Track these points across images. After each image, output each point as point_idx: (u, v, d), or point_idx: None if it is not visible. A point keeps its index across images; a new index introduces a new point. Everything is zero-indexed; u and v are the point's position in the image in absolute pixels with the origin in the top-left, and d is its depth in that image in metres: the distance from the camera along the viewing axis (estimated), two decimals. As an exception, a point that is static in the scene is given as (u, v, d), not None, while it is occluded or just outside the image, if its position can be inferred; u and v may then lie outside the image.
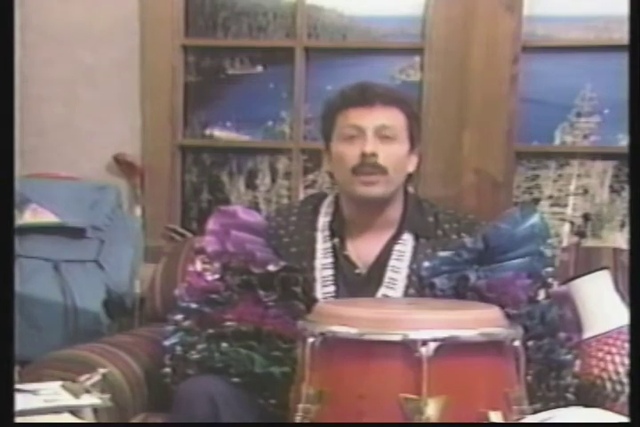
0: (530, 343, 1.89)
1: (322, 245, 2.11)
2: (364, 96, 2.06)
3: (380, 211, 2.11)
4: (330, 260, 2.10)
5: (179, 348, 2.03)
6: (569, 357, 1.97)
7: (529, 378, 1.84)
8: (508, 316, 1.79)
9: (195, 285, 2.07)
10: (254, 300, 2.01)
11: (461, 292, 1.94)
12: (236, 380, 1.95)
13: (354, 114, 2.06)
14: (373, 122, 2.04)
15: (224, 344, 1.98)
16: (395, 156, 2.05)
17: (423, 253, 2.06)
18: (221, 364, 1.96)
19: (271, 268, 2.02)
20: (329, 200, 2.18)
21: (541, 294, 1.98)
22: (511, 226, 2.00)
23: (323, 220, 2.15)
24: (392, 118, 2.06)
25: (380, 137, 2.04)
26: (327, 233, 2.12)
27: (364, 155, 2.02)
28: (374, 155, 2.02)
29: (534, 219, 2.02)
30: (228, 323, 2.00)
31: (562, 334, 1.97)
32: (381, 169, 2.03)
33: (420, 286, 1.99)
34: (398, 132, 2.06)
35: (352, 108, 2.06)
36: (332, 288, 2.07)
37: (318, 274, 2.08)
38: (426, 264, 2.00)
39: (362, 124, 2.04)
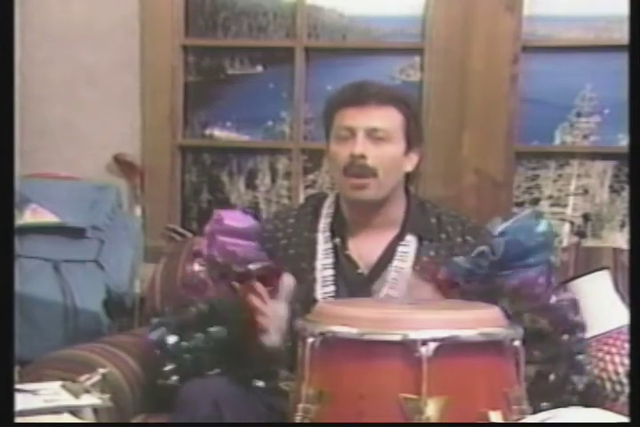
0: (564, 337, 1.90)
1: (323, 246, 2.11)
2: (359, 96, 2.05)
3: (379, 211, 2.10)
4: (331, 260, 2.09)
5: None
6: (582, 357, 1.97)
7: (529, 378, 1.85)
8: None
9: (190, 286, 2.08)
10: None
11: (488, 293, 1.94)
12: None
13: (348, 114, 2.05)
14: (365, 123, 2.03)
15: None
16: (386, 157, 2.03)
17: (427, 255, 2.05)
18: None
19: (252, 267, 2.01)
20: (330, 201, 2.17)
21: (553, 299, 1.97)
22: (525, 235, 1.96)
23: (324, 221, 2.14)
24: (386, 118, 2.05)
25: (371, 138, 2.03)
26: (328, 234, 2.12)
27: (352, 156, 2.01)
28: (363, 156, 2.01)
29: (545, 227, 1.99)
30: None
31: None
32: (371, 171, 2.02)
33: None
34: (392, 133, 2.05)
35: (347, 108, 2.05)
36: (331, 288, 2.07)
37: (319, 274, 2.08)
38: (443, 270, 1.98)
39: (353, 125, 2.03)
